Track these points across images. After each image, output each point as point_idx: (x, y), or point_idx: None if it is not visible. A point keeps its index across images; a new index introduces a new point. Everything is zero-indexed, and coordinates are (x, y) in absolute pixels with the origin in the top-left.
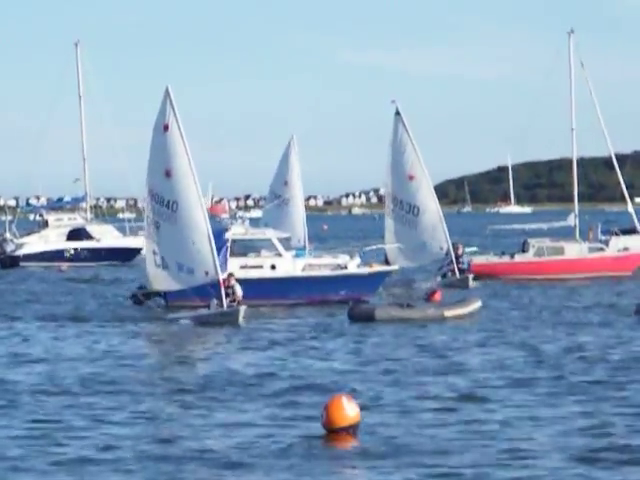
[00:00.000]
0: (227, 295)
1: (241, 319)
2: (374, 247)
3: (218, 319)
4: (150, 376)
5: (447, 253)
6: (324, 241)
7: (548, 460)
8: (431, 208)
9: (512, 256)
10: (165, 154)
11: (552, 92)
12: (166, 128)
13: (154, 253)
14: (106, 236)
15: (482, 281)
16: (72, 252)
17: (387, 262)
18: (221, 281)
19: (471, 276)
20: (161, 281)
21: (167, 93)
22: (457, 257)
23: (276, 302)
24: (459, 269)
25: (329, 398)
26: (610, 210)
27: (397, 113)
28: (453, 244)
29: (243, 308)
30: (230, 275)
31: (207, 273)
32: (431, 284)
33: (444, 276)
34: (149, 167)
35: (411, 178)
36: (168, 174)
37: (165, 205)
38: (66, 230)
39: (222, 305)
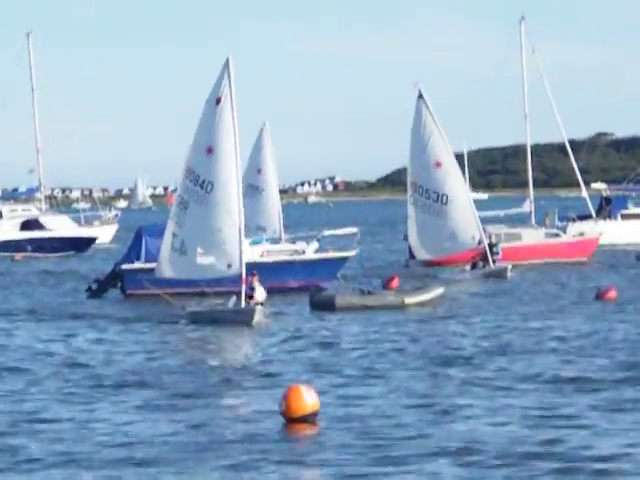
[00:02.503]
0: (248, 296)
1: (256, 320)
2: (331, 233)
3: (231, 317)
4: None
5: (480, 242)
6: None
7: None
8: (461, 196)
9: None
10: (211, 129)
11: (505, 79)
12: (218, 101)
13: (174, 235)
14: (61, 226)
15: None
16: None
17: (411, 254)
18: (244, 277)
19: (509, 266)
20: (174, 267)
21: (226, 64)
22: (490, 246)
23: (234, 289)
24: (493, 259)
25: (287, 387)
26: (566, 196)
27: (420, 96)
28: (486, 233)
29: (260, 308)
30: (253, 275)
31: (230, 266)
32: (464, 275)
33: (481, 265)
34: (192, 142)
35: (438, 165)
36: (210, 151)
37: (199, 184)
38: (19, 221)
39: (240, 303)
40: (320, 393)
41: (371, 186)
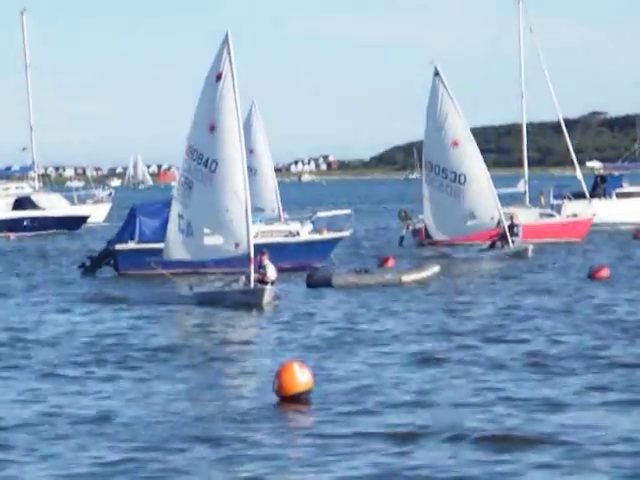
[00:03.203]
0: (260, 275)
1: (266, 301)
2: (325, 214)
3: (240, 298)
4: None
5: (499, 223)
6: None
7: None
8: (479, 175)
9: None
10: (212, 106)
11: (501, 58)
12: (219, 77)
13: (180, 216)
14: (53, 205)
15: (434, 248)
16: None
17: (427, 234)
18: (252, 256)
19: (531, 246)
20: (181, 249)
21: (226, 39)
22: (511, 227)
23: (228, 270)
24: (512, 240)
25: (281, 365)
26: (561, 175)
27: (436, 74)
28: (508, 214)
29: (269, 288)
30: (263, 253)
31: (237, 245)
32: (482, 254)
33: (500, 246)
34: (193, 120)
35: (455, 144)
36: (212, 129)
37: (203, 163)
38: (12, 199)
39: (250, 283)
40: (314, 370)
41: (365, 165)
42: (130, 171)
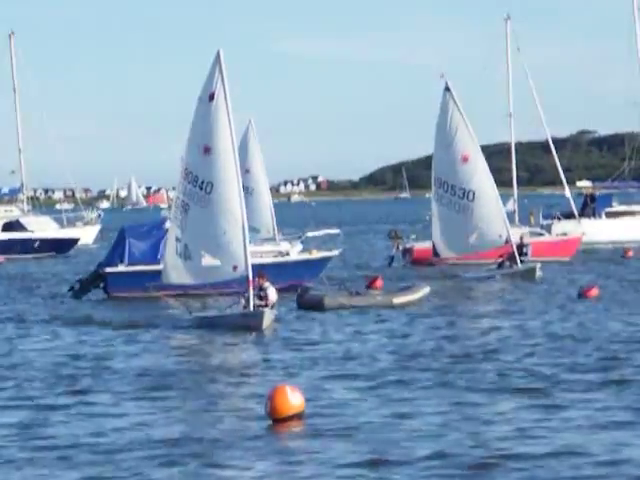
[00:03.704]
0: (260, 298)
1: (265, 324)
2: (314, 234)
3: (239, 321)
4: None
5: (507, 241)
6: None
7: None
8: (488, 192)
9: None
10: (206, 127)
11: (489, 77)
12: (211, 97)
13: (177, 240)
14: (43, 227)
15: (423, 267)
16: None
17: (435, 252)
18: (250, 279)
19: (539, 265)
20: (179, 273)
21: (217, 58)
22: (520, 247)
23: (218, 290)
24: (521, 260)
25: (272, 388)
26: (550, 194)
27: (447, 89)
28: (517, 233)
29: (269, 311)
30: (262, 276)
31: (235, 268)
32: (490, 273)
33: (508, 265)
34: (188, 142)
35: (465, 160)
36: (207, 150)
37: (199, 186)
38: (1, 222)
39: (249, 306)
40: (306, 394)
41: (354, 185)
42: (116, 192)
